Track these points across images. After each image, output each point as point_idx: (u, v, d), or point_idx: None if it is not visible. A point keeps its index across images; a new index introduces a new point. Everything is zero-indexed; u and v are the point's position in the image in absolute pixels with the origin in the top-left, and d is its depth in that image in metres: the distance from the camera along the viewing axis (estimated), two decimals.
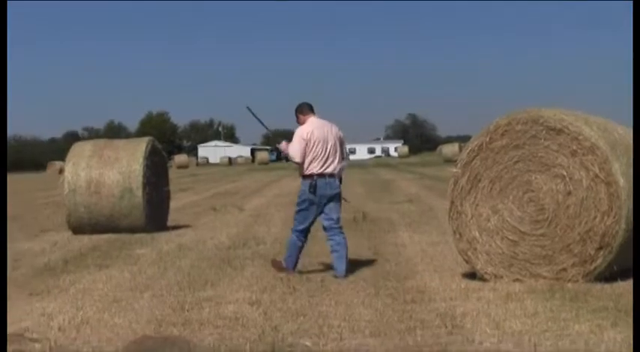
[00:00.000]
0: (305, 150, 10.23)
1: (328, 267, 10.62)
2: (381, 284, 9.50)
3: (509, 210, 9.45)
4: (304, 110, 10.58)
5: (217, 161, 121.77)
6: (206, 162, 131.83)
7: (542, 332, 7.09)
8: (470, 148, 9.63)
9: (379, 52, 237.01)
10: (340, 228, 10.36)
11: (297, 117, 10.61)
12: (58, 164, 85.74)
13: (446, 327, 7.36)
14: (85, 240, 15.20)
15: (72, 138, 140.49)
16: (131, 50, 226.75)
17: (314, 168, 10.22)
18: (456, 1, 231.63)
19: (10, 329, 7.72)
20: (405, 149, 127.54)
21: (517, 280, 9.30)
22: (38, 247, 14.39)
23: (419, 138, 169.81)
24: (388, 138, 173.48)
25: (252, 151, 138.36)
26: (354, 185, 34.01)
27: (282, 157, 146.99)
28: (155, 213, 16.61)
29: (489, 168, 9.52)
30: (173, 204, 18.47)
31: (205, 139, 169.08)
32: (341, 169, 10.42)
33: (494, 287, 9.10)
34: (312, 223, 10.42)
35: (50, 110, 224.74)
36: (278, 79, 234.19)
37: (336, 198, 10.33)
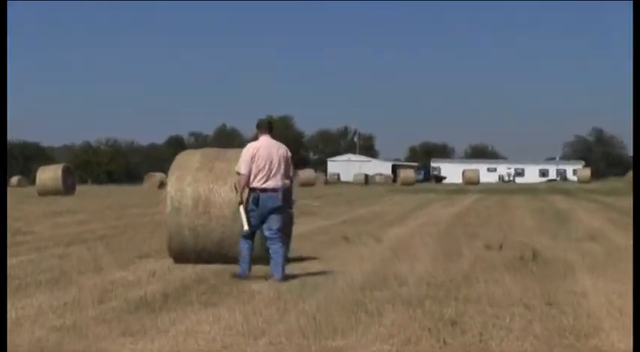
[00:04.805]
0: (250, 164, 13.66)
1: (486, 317, 10.52)
2: (556, 342, 9.34)
3: None
4: (261, 128, 14.12)
5: (350, 179, 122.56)
6: (337, 180, 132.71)
7: None
8: None
9: (556, 53, 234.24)
10: (280, 237, 13.83)
11: (257, 133, 14.23)
12: (157, 176, 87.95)
13: None
14: (189, 269, 15.42)
15: (176, 144, 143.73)
16: (248, 40, 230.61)
17: (258, 183, 13.70)
18: None
19: None
20: (587, 172, 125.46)
21: None
22: (133, 276, 14.68)
23: (604, 159, 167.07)
24: (565, 157, 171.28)
25: (394, 168, 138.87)
26: (521, 214, 33.60)
27: (430, 177, 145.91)
28: None
29: None
30: (296, 229, 18.59)
31: (337, 152, 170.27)
32: (284, 186, 13.83)
33: None
34: (256, 228, 13.86)
35: (152, 110, 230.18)
36: (432, 85, 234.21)
37: (278, 210, 13.81)
